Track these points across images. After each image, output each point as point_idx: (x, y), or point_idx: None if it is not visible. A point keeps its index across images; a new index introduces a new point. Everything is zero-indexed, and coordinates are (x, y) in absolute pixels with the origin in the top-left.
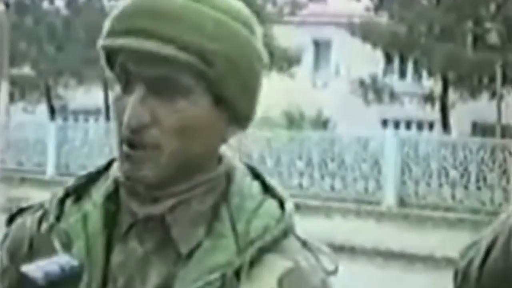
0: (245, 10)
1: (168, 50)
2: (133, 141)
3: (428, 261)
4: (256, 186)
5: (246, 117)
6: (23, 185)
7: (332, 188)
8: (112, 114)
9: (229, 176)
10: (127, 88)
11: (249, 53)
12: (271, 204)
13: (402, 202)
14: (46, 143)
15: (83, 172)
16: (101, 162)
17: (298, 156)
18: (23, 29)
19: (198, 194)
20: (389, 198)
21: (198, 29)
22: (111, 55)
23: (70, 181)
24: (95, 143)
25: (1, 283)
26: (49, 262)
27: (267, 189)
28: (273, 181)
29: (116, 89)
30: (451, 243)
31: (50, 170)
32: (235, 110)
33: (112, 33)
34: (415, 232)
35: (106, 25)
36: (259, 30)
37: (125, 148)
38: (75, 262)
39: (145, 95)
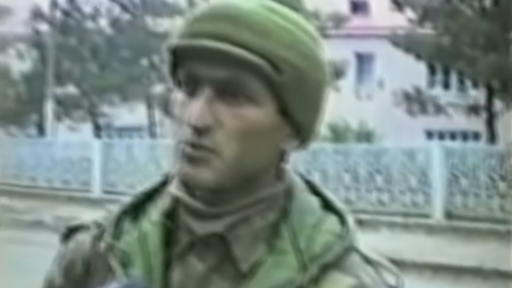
0: (311, 25)
1: (240, 51)
2: (195, 143)
3: (477, 273)
4: (315, 201)
5: (308, 132)
6: (69, 203)
7: (380, 201)
8: (166, 128)
9: (289, 193)
10: (193, 92)
11: (316, 66)
12: (332, 220)
13: (450, 214)
14: (92, 161)
15: (140, 189)
16: (147, 179)
17: (344, 169)
18: (67, 49)
19: (259, 211)
20: (437, 211)
21: (268, 35)
22: (178, 59)
23: (126, 199)
24: (141, 160)
25: None
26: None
27: (326, 204)
28: (332, 196)
29: (177, 95)
30: (501, 255)
31: (96, 189)
32: (298, 123)
33: (184, 36)
34: (464, 245)
35: (178, 28)
36: (324, 46)
37: (187, 149)
38: (142, 285)
39: (212, 98)
